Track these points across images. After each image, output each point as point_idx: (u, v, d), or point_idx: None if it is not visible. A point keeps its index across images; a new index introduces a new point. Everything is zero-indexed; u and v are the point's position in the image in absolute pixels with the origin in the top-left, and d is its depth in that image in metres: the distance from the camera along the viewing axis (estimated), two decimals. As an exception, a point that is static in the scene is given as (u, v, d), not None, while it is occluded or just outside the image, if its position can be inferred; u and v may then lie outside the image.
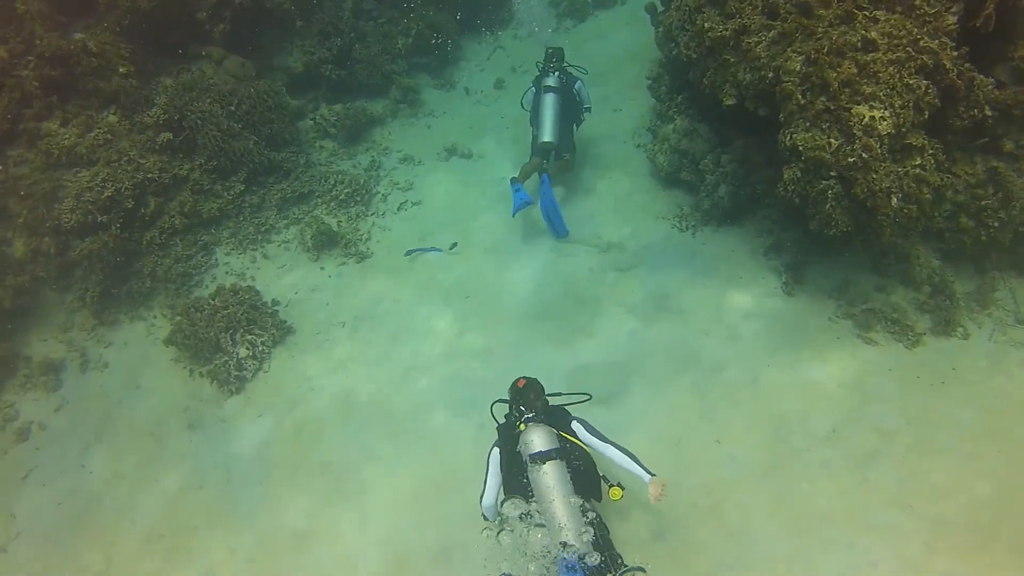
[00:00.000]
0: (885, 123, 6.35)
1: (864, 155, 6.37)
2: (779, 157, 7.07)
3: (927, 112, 6.59)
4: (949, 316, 7.28)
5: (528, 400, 5.90)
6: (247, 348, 8.01)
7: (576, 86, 9.40)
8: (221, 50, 10.60)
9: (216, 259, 9.26)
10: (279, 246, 9.33)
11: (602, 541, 5.35)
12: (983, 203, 7.20)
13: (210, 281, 9.04)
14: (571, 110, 9.39)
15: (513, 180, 8.99)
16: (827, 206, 6.67)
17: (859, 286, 7.65)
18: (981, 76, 6.78)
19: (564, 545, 5.15)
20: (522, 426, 5.71)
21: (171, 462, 7.64)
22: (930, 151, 6.65)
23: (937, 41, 6.57)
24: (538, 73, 9.47)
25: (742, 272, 8.12)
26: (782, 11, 7.11)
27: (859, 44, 6.62)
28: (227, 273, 9.06)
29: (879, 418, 6.71)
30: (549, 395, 6.05)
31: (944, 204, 7.22)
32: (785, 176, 6.92)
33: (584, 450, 5.69)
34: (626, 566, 5.23)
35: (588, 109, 9.59)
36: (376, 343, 8.14)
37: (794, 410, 6.89)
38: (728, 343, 7.52)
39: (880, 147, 6.38)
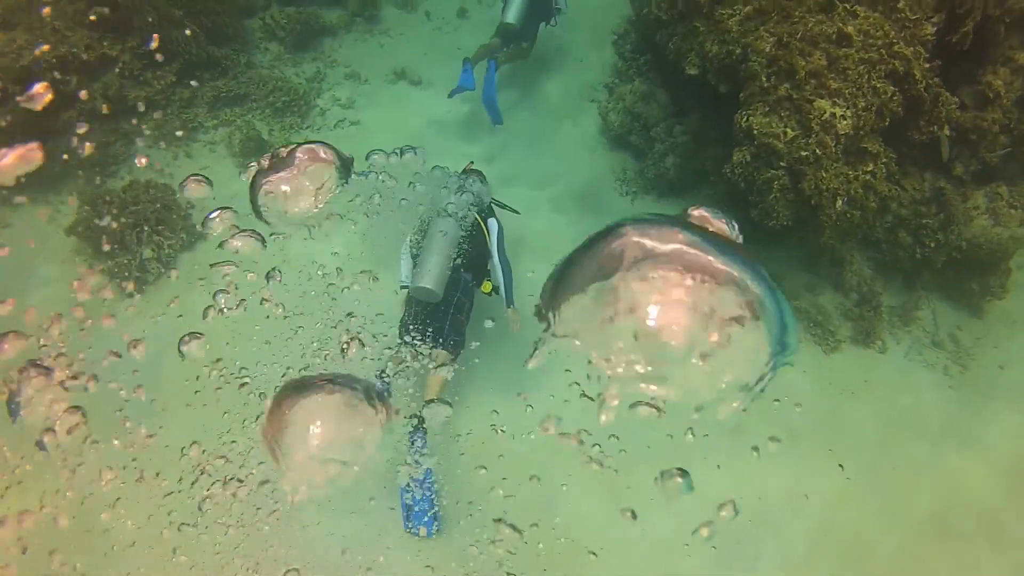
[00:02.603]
0: (845, 122, 6.18)
1: (818, 151, 6.21)
2: (733, 137, 6.87)
3: (888, 119, 6.45)
4: (871, 327, 7.28)
5: (466, 178, 6.90)
6: (152, 250, 7.55)
7: None
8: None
9: (136, 151, 8.69)
10: (204, 146, 8.80)
11: (457, 318, 6.35)
12: (924, 221, 7.15)
13: (126, 173, 8.48)
14: (543, 6, 9.43)
15: (465, 60, 8.99)
16: (771, 196, 6.51)
17: (790, 282, 7.56)
18: (947, 94, 6.66)
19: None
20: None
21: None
22: (883, 159, 6.54)
23: (912, 49, 6.41)
24: None
25: (675, 249, 7.91)
26: (762, -12, 6.86)
27: (834, 36, 6.43)
28: (146, 166, 8.52)
29: (786, 417, 6.67)
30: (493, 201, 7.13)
31: (887, 215, 7.14)
32: (734, 158, 6.73)
33: (484, 241, 6.59)
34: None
35: (559, 9, 9.65)
36: (290, 259, 7.72)
37: (703, 396, 6.76)
38: (650, 320, 7.33)
39: (835, 146, 6.23)
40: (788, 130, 6.29)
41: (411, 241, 6.57)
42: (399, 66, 9.91)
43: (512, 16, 9.21)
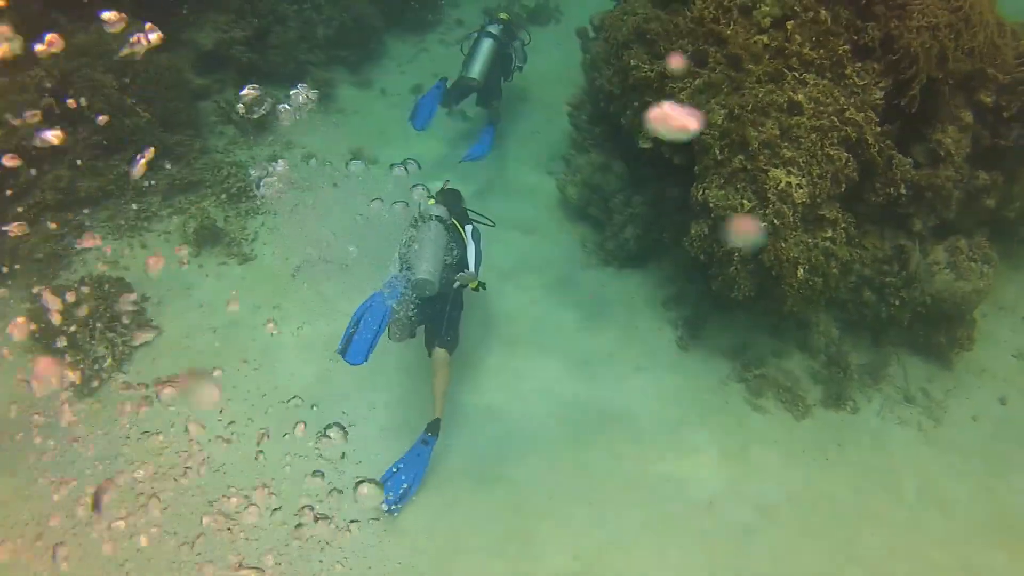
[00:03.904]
0: (801, 191, 6.18)
1: (776, 221, 6.19)
2: (690, 207, 6.85)
3: (844, 185, 6.47)
4: (841, 388, 7.21)
5: (443, 193, 7.63)
6: (106, 347, 7.35)
7: (516, 43, 9.91)
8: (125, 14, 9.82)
9: (84, 234, 8.50)
10: (159, 236, 8.62)
11: (452, 315, 6.90)
12: (887, 279, 7.14)
13: (80, 265, 8.29)
14: (504, 63, 9.80)
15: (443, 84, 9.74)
16: (732, 268, 6.48)
17: (756, 349, 7.49)
18: (900, 156, 6.71)
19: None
20: (431, 200, 7.08)
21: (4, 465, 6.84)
22: (842, 225, 6.55)
23: (863, 114, 6.45)
24: (483, 24, 9.95)
25: (639, 321, 7.88)
26: (711, 60, 6.89)
27: (785, 105, 6.46)
28: (98, 259, 8.33)
29: (760, 492, 6.54)
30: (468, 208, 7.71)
31: (850, 276, 7.12)
32: (692, 231, 6.71)
33: (463, 244, 7.05)
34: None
35: (520, 68, 10.10)
36: (248, 354, 7.55)
37: (674, 475, 6.64)
38: (615, 396, 7.24)
39: (793, 215, 6.21)
40: (745, 202, 6.27)
41: (400, 252, 6.90)
42: (355, 145, 9.86)
43: (475, 72, 9.46)
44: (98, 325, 7.41)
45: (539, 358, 7.58)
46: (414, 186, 7.10)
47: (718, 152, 6.48)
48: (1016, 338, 7.66)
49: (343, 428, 6.08)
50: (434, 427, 6.47)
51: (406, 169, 7.11)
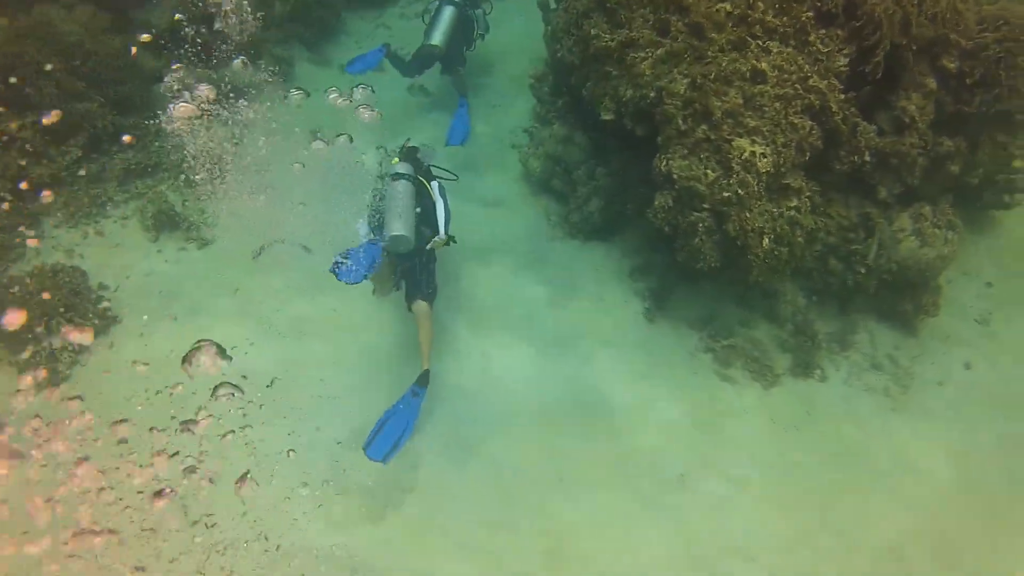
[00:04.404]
0: (765, 160, 6.13)
1: (740, 191, 6.14)
2: (654, 178, 6.78)
3: (808, 153, 6.42)
4: (809, 357, 7.23)
5: (406, 151, 7.73)
6: (63, 338, 7.17)
7: (477, 11, 9.89)
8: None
9: (43, 231, 8.28)
10: (116, 222, 8.40)
11: (429, 268, 7.03)
12: (853, 247, 7.13)
13: (34, 255, 8.07)
14: (466, 32, 9.79)
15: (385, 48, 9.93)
16: (696, 239, 6.43)
17: (723, 319, 7.47)
18: (865, 123, 6.67)
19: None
20: (395, 160, 7.36)
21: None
22: (807, 194, 6.51)
23: (826, 82, 6.41)
24: None
25: (605, 293, 7.82)
26: (673, 29, 6.79)
27: (748, 74, 6.39)
28: (54, 248, 8.10)
29: (731, 463, 6.55)
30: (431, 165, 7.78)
31: (815, 245, 7.09)
32: (656, 203, 6.64)
33: (431, 199, 7.18)
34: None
35: (482, 36, 10.06)
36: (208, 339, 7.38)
37: (645, 449, 6.63)
38: (582, 370, 7.20)
39: (757, 184, 6.16)
40: (709, 172, 6.21)
41: (369, 211, 7.04)
42: (314, 124, 9.64)
43: (437, 39, 9.42)
44: (55, 317, 7.23)
45: (507, 337, 7.52)
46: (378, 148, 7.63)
47: (681, 122, 6.40)
48: (980, 303, 7.70)
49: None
50: (423, 379, 6.59)
51: (351, 99, 7.33)
